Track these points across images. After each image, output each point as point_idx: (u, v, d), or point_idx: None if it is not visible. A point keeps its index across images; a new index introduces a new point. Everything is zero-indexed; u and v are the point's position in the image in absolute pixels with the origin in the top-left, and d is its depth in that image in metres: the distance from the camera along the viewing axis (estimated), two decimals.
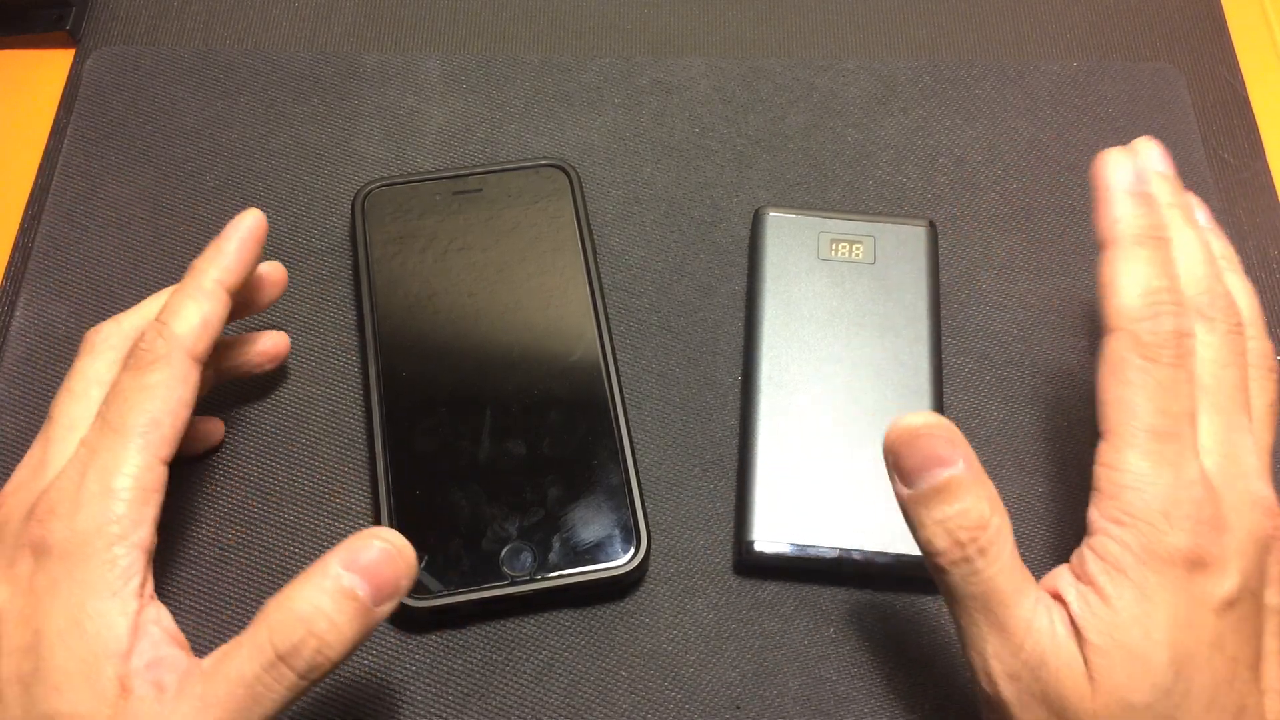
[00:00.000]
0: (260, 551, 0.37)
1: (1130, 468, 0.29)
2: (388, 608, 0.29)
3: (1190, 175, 0.45)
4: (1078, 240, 0.44)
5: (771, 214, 0.42)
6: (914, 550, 0.36)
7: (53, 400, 0.32)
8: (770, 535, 0.37)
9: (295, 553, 0.37)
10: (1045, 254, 0.44)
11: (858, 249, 0.41)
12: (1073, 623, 0.29)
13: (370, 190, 0.42)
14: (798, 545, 0.37)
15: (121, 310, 0.41)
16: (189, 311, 0.32)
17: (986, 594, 0.29)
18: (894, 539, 0.36)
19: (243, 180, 0.44)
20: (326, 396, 0.40)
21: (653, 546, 0.37)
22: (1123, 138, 0.46)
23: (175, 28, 0.49)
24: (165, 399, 0.31)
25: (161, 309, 0.33)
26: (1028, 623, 0.28)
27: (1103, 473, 0.29)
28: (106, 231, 0.43)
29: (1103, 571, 0.29)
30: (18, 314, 0.41)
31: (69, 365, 0.40)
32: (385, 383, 0.39)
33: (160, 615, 0.29)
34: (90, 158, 0.45)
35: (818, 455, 0.38)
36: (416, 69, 0.47)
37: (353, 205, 0.42)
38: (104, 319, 0.41)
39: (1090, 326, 0.42)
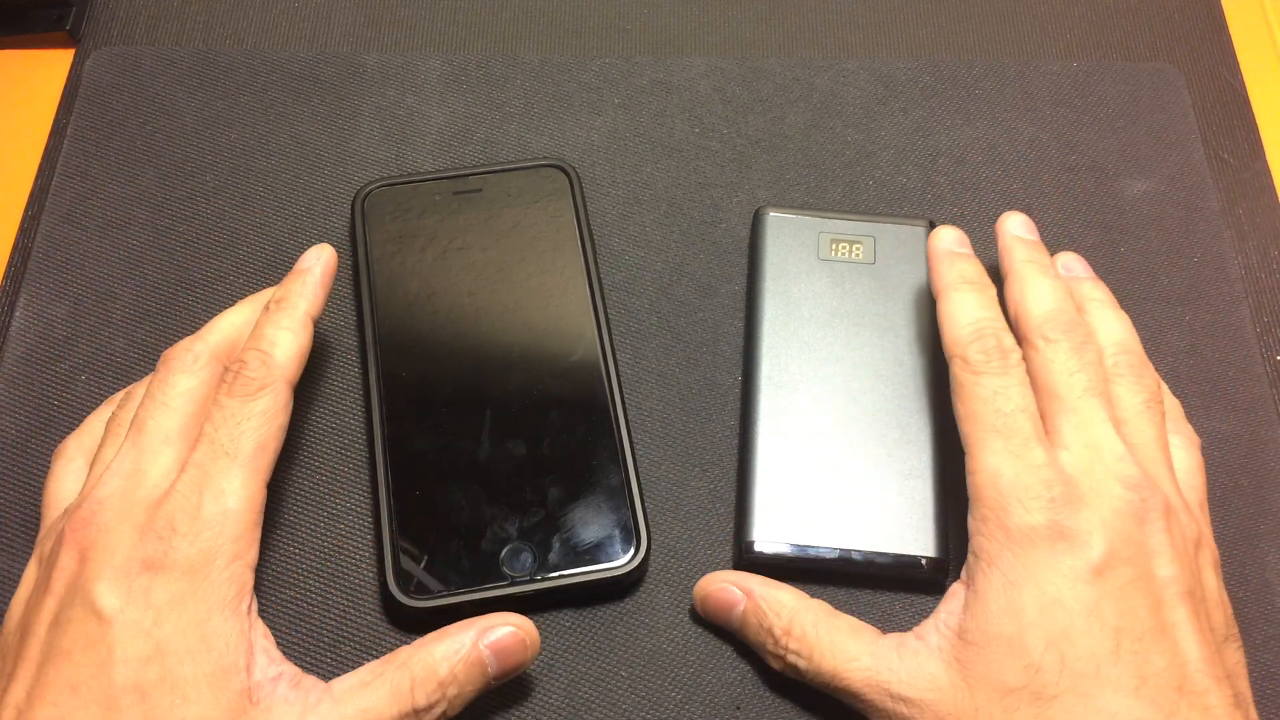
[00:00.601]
0: (260, 551, 0.37)
1: (980, 468, 0.32)
2: (500, 683, 0.33)
3: (1190, 175, 0.45)
4: (1078, 240, 0.44)
5: (771, 214, 0.42)
6: (914, 550, 0.36)
7: (141, 409, 0.33)
8: (770, 535, 0.37)
9: (295, 553, 0.37)
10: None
11: (858, 249, 0.41)
12: (957, 626, 0.31)
13: (370, 190, 0.42)
14: (798, 545, 0.37)
15: (121, 311, 0.42)
16: (286, 341, 0.34)
17: (824, 679, 0.33)
18: (894, 539, 0.37)
19: (243, 180, 0.44)
20: (326, 396, 0.40)
21: (653, 546, 0.37)
22: (1123, 138, 0.46)
23: (175, 28, 0.49)
24: (271, 425, 0.33)
25: (258, 336, 0.34)
26: (869, 678, 0.32)
27: (968, 481, 0.33)
28: (106, 231, 0.43)
29: (978, 569, 0.31)
30: (18, 314, 0.41)
31: (69, 365, 0.40)
32: (385, 382, 0.39)
33: (267, 632, 0.32)
34: (90, 158, 0.45)
35: (818, 455, 0.38)
36: (416, 69, 0.47)
37: (353, 205, 0.42)
38: (104, 319, 0.41)
39: None
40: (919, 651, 0.31)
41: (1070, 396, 0.33)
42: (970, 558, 0.32)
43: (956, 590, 0.32)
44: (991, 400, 0.33)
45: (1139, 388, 0.35)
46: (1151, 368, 0.36)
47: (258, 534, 0.32)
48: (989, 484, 0.32)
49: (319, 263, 0.37)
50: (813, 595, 0.37)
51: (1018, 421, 0.32)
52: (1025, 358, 0.34)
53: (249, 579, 0.31)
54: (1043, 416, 0.33)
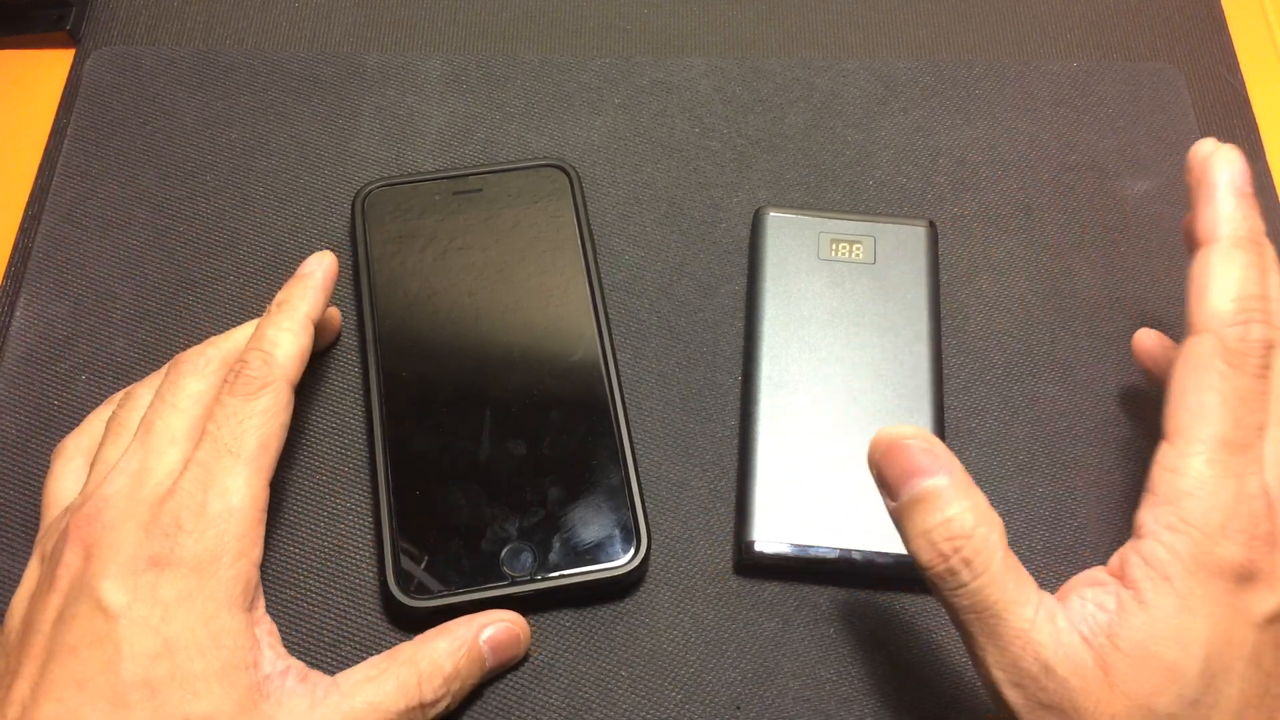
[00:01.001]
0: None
1: (1193, 474, 0.29)
2: (492, 676, 0.35)
3: None
4: (1078, 240, 0.44)
5: (771, 214, 0.42)
6: None
7: (150, 410, 0.34)
8: (770, 535, 0.37)
9: (295, 553, 0.37)
10: (1045, 254, 0.44)
11: (858, 249, 0.41)
12: (1107, 625, 0.28)
13: (370, 190, 0.42)
14: (798, 545, 0.37)
15: (121, 311, 0.42)
16: (287, 341, 0.34)
17: (977, 605, 0.29)
18: (894, 539, 0.36)
19: (243, 180, 0.44)
20: (326, 396, 0.40)
21: (653, 546, 0.37)
22: (1123, 138, 0.46)
23: (175, 28, 0.49)
24: (273, 424, 0.33)
25: (259, 337, 0.34)
26: (1025, 632, 0.28)
27: (1162, 476, 0.29)
28: (106, 231, 0.43)
29: (1147, 577, 0.28)
30: (18, 314, 0.41)
31: (69, 364, 0.40)
32: (385, 382, 0.39)
33: (273, 628, 0.32)
34: (90, 158, 0.45)
35: (818, 455, 0.38)
36: (416, 69, 0.47)
37: (353, 205, 0.42)
38: (104, 319, 0.41)
39: (1090, 326, 0.42)
40: (1073, 633, 0.28)
41: None
42: (1135, 558, 0.29)
43: (1106, 582, 0.29)
44: (1235, 405, 0.29)
45: None
46: None
47: (262, 531, 0.32)
48: (1194, 497, 0.28)
49: (320, 268, 0.37)
50: (813, 595, 0.37)
51: (1252, 439, 0.29)
52: (1217, 350, 0.30)
53: (254, 575, 0.32)
54: (1253, 424, 0.29)
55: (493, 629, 0.34)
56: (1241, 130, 0.47)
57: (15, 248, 0.44)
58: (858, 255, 0.41)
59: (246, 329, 0.37)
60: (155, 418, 0.33)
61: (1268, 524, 0.28)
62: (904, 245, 0.41)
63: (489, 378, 0.39)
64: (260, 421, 0.33)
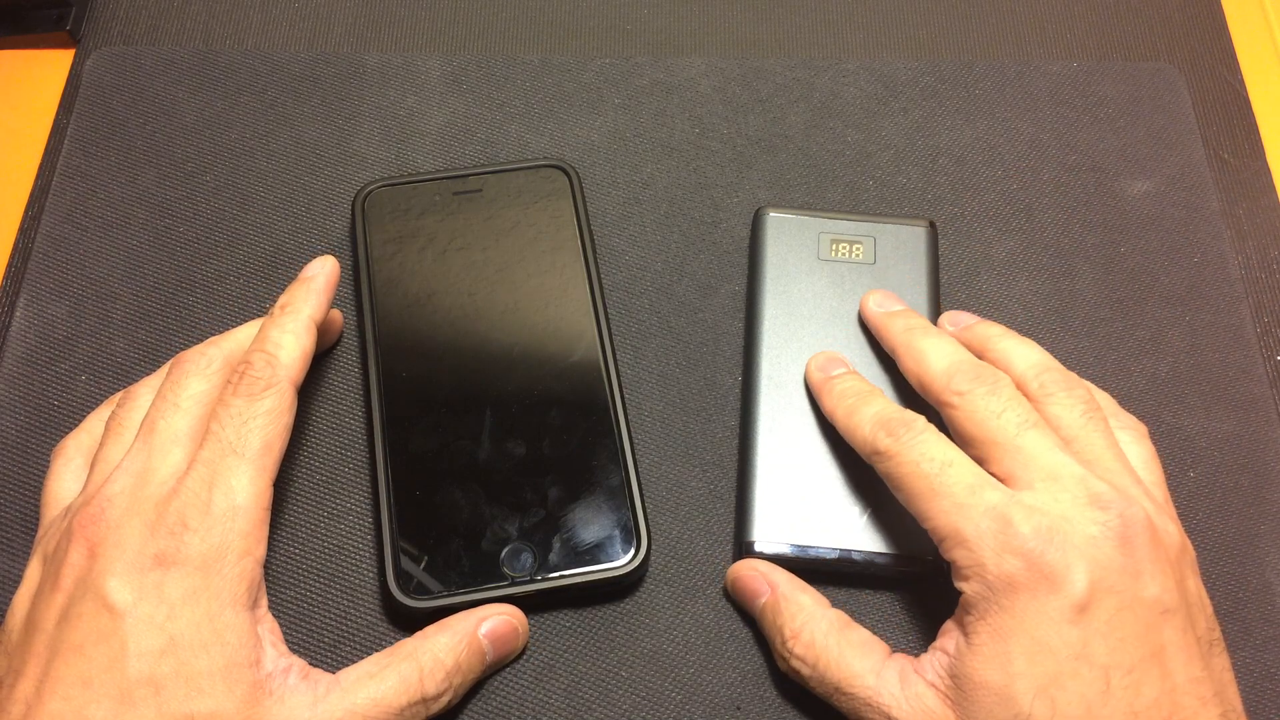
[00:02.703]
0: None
1: (943, 534, 0.32)
2: (493, 671, 0.35)
3: (1190, 175, 0.45)
4: (1078, 240, 0.44)
5: (771, 214, 0.42)
6: (914, 550, 0.36)
7: (152, 409, 0.34)
8: (770, 536, 0.37)
9: (295, 553, 0.37)
10: (1045, 254, 0.44)
11: (858, 249, 0.41)
12: (948, 668, 0.31)
13: (370, 190, 0.42)
14: (798, 545, 0.37)
15: (121, 311, 0.42)
16: (290, 343, 0.35)
17: (825, 689, 0.33)
18: (894, 539, 0.37)
19: (243, 180, 0.44)
20: (326, 396, 0.40)
21: (653, 547, 0.37)
22: (1123, 138, 0.46)
23: (175, 28, 0.49)
24: (277, 424, 0.33)
25: (263, 339, 0.35)
26: (871, 699, 0.32)
27: (941, 551, 0.33)
28: (106, 232, 0.43)
29: (967, 619, 0.31)
30: (18, 314, 0.41)
31: (69, 365, 0.40)
32: (385, 383, 0.39)
33: (275, 627, 0.32)
34: (90, 158, 0.45)
35: (818, 455, 0.38)
36: (416, 69, 0.47)
37: (353, 205, 0.42)
38: (104, 319, 0.41)
39: (1090, 326, 0.42)
40: (920, 684, 0.31)
41: (1006, 438, 0.33)
42: (959, 606, 0.32)
43: (950, 629, 0.32)
44: (916, 470, 0.33)
45: (1072, 400, 0.34)
46: (1075, 376, 0.35)
47: (265, 531, 0.32)
48: (956, 546, 0.31)
49: (323, 271, 0.37)
50: None
51: (950, 474, 0.32)
52: (947, 419, 0.34)
53: (258, 574, 0.32)
54: (991, 467, 0.33)
55: (491, 622, 0.34)
56: (1241, 130, 0.47)
57: (15, 248, 0.44)
58: (858, 255, 0.41)
59: (247, 329, 0.37)
60: (158, 417, 0.33)
61: (1031, 525, 0.30)
62: (904, 245, 0.41)
63: (489, 378, 0.39)
64: (264, 422, 0.33)
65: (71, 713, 0.28)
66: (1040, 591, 0.30)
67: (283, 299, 0.36)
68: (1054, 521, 0.30)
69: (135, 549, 0.30)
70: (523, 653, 0.36)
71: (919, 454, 0.33)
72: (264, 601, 0.32)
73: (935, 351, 0.36)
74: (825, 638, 0.33)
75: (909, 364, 0.37)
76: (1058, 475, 0.32)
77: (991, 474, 0.32)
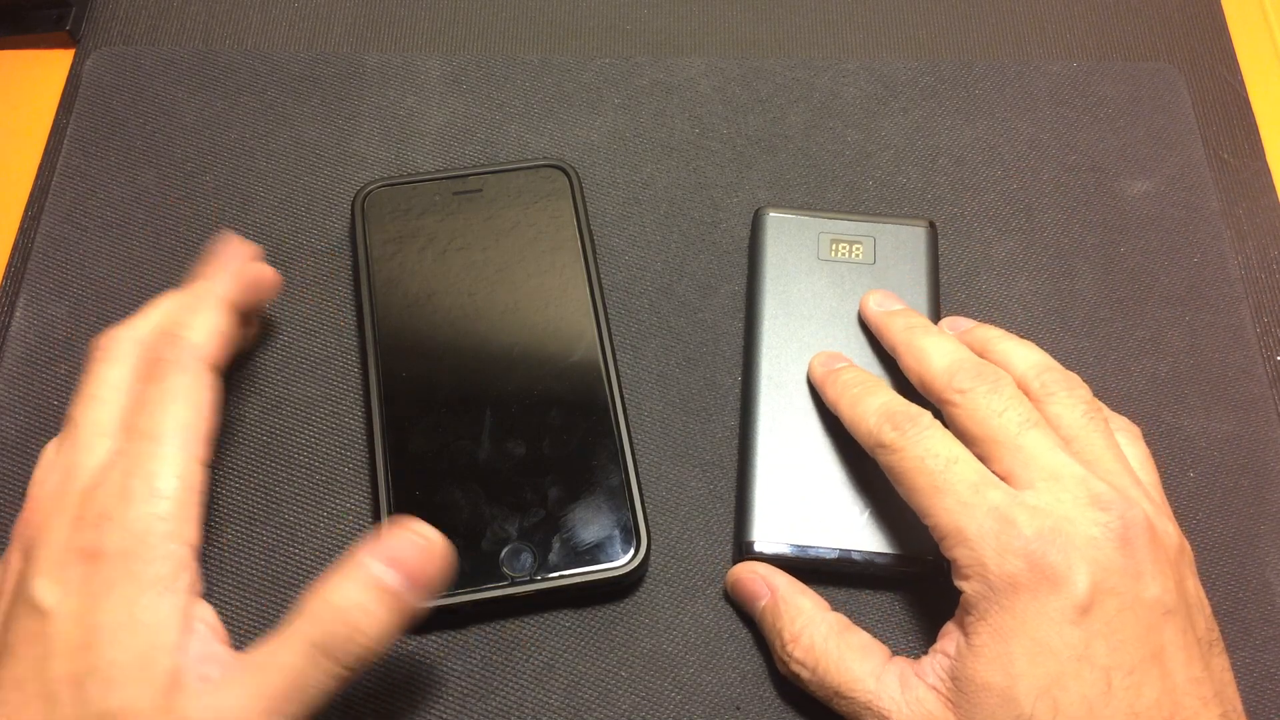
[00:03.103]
0: (259, 551, 0.37)
1: (944, 530, 0.32)
2: (421, 597, 0.30)
3: (1190, 175, 0.45)
4: (1077, 240, 0.44)
5: (771, 214, 0.42)
6: (914, 550, 0.36)
7: (71, 406, 0.33)
8: (770, 535, 0.37)
9: (295, 553, 0.37)
10: (1045, 254, 0.44)
11: (858, 249, 0.41)
12: (949, 670, 0.31)
13: (370, 190, 0.42)
14: (798, 545, 0.37)
15: (121, 311, 0.42)
16: (199, 323, 0.33)
17: (826, 693, 0.33)
18: (894, 539, 0.37)
19: (243, 180, 0.44)
20: (326, 396, 0.40)
21: (653, 547, 0.37)
22: (1122, 138, 0.46)
23: (175, 28, 0.49)
24: (190, 403, 0.32)
25: (165, 321, 0.34)
26: (871, 702, 0.32)
27: (942, 550, 0.33)
28: (106, 232, 0.43)
29: (967, 620, 0.31)
30: (18, 314, 0.41)
31: (69, 365, 0.40)
32: (385, 383, 0.39)
33: (206, 613, 0.30)
34: (90, 158, 0.45)
35: (818, 455, 0.38)
36: (416, 69, 0.47)
37: (353, 205, 0.42)
38: (104, 320, 0.41)
39: (1090, 326, 0.42)
40: (921, 687, 0.31)
41: (1008, 437, 0.33)
42: (960, 607, 0.32)
43: (951, 630, 0.32)
44: (920, 465, 0.33)
45: (1073, 400, 0.34)
46: (1076, 376, 0.35)
47: (195, 513, 0.31)
48: (957, 544, 0.31)
49: (235, 252, 0.36)
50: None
51: (955, 472, 0.32)
52: (949, 417, 0.34)
53: (186, 556, 0.30)
54: (992, 465, 0.33)
55: (387, 546, 0.30)
56: (1241, 130, 0.47)
57: (15, 248, 0.44)
58: (858, 255, 0.41)
59: (160, 304, 0.35)
60: (76, 412, 0.33)
61: (1033, 526, 0.30)
62: (904, 245, 0.41)
63: (489, 378, 0.39)
64: (173, 401, 0.32)
65: (4, 717, 0.28)
66: (1042, 592, 0.30)
67: (194, 277, 0.35)
68: (1056, 522, 0.30)
69: (61, 546, 0.30)
70: (447, 570, 0.31)
71: (924, 449, 0.33)
72: (198, 587, 0.31)
73: (937, 350, 0.36)
74: (825, 641, 0.33)
75: (910, 362, 0.37)
76: (1059, 475, 0.32)
77: (993, 472, 0.32)
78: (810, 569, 0.37)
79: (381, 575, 0.29)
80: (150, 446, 0.31)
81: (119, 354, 0.33)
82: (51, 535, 0.30)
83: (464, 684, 0.36)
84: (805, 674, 0.34)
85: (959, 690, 0.30)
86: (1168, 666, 0.29)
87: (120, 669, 0.28)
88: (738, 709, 0.35)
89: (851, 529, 0.37)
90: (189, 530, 0.31)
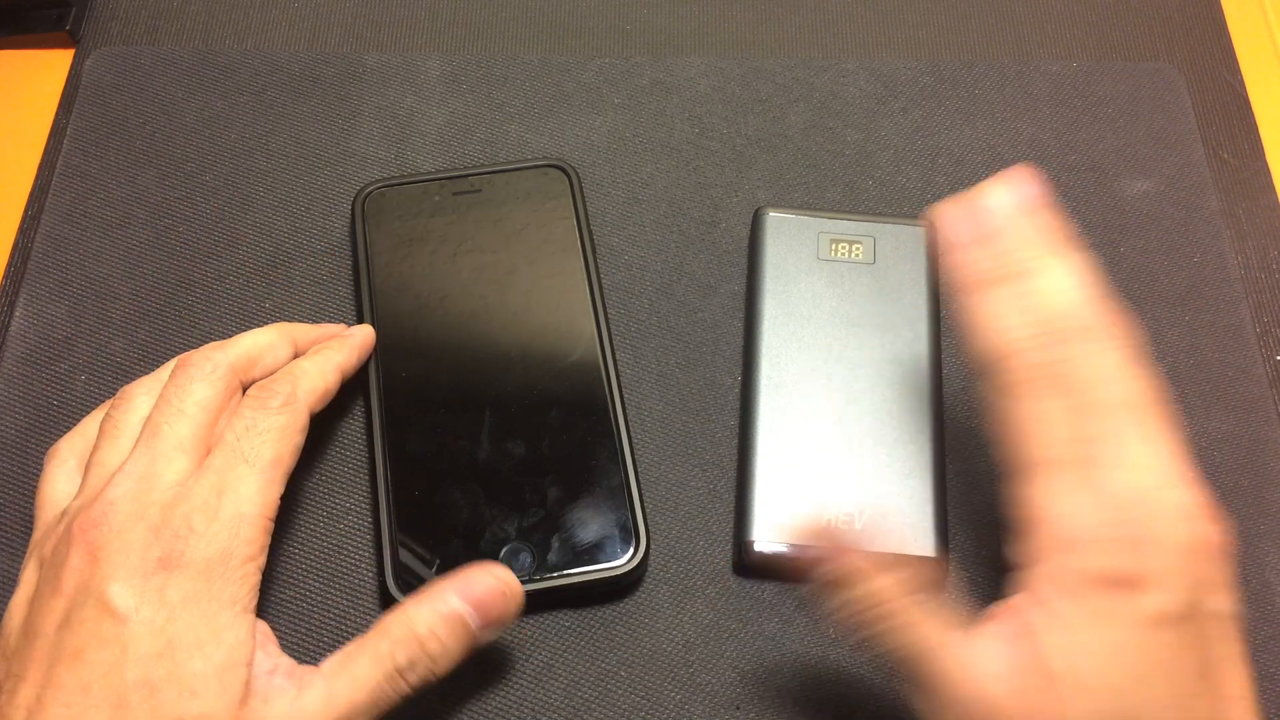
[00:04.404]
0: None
1: (1042, 503, 0.29)
2: (490, 635, 0.33)
3: (1190, 175, 0.45)
4: (1078, 240, 0.44)
5: (771, 214, 0.42)
6: (914, 550, 0.36)
7: (156, 413, 0.33)
8: (770, 535, 0.37)
9: (294, 553, 0.37)
10: None
11: (857, 249, 0.41)
12: (1009, 659, 0.28)
13: (370, 191, 0.42)
14: (797, 546, 0.37)
15: (121, 311, 0.42)
16: (315, 374, 0.36)
17: (898, 657, 0.30)
18: (894, 539, 0.37)
19: (243, 180, 0.44)
20: None
21: (652, 546, 0.37)
22: (1123, 138, 0.46)
23: (175, 28, 0.49)
24: (288, 440, 0.34)
25: (291, 366, 0.36)
26: (956, 673, 0.29)
27: (1017, 509, 0.30)
28: (106, 232, 0.43)
29: (1033, 609, 0.29)
30: (18, 314, 0.41)
31: (68, 365, 0.40)
32: (385, 383, 0.39)
33: (267, 629, 0.32)
34: (90, 158, 0.45)
35: (817, 455, 0.38)
36: (416, 69, 0.47)
37: (353, 206, 0.42)
38: (103, 319, 0.41)
39: None
40: (983, 661, 0.29)
41: (1122, 407, 0.29)
42: (1023, 592, 0.29)
43: (1001, 615, 0.29)
44: (1046, 425, 0.29)
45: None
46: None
47: (268, 540, 0.32)
48: (1051, 523, 0.29)
49: (362, 333, 0.39)
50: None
51: (1076, 452, 0.29)
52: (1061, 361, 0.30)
53: (257, 580, 0.32)
54: (1085, 435, 0.29)
55: (473, 586, 0.32)
56: (1241, 130, 0.47)
57: (15, 248, 0.44)
58: (857, 255, 0.41)
59: (250, 336, 0.37)
60: (162, 422, 0.33)
61: (1126, 527, 0.28)
62: (904, 245, 0.41)
63: (489, 378, 0.39)
64: (277, 436, 0.33)
65: (71, 719, 0.28)
66: (1120, 595, 0.28)
67: (320, 344, 0.38)
68: (1144, 525, 0.28)
69: (139, 553, 0.30)
70: (517, 615, 0.33)
71: (1056, 409, 0.29)
72: (255, 605, 0.32)
73: (1066, 283, 0.31)
74: (903, 611, 0.30)
75: (1038, 283, 0.31)
76: (1152, 469, 0.29)
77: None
78: (810, 569, 0.37)
79: (461, 611, 0.32)
80: (245, 470, 0.32)
81: (213, 376, 0.34)
82: (128, 541, 0.31)
83: (463, 683, 0.36)
84: (878, 643, 0.30)
85: (1020, 678, 0.28)
86: (1221, 682, 0.29)
87: (201, 679, 0.29)
88: (738, 709, 0.35)
89: (851, 529, 0.37)
90: (264, 555, 0.32)
